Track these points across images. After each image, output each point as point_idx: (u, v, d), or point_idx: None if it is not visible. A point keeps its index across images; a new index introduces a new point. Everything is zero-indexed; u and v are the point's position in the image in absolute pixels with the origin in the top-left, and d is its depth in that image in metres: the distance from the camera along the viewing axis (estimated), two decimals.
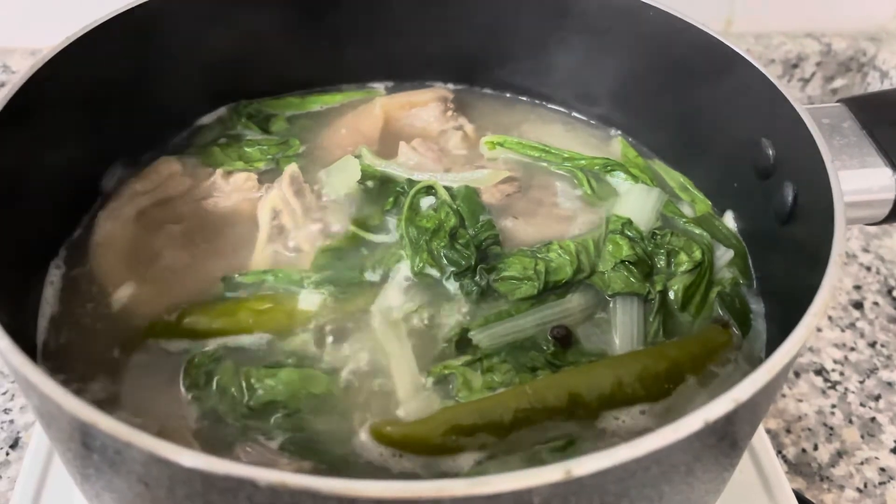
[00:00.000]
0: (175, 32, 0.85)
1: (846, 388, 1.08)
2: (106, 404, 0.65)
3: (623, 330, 0.71)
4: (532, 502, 0.44)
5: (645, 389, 0.66)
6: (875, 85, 1.40)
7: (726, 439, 0.51)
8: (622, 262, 0.75)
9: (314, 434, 0.63)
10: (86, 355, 0.69)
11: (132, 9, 0.80)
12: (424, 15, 0.95)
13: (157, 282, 0.75)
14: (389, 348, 0.68)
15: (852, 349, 1.12)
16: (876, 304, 1.18)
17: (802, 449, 1.00)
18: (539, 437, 0.62)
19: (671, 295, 0.74)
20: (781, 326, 0.70)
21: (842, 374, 1.09)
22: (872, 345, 1.14)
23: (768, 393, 0.50)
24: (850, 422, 1.04)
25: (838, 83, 1.42)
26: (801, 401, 1.06)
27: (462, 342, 0.70)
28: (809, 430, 1.01)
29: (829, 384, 1.07)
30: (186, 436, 0.62)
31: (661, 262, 0.76)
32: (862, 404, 1.06)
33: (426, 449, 0.61)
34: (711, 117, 0.82)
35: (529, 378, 0.66)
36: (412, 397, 0.66)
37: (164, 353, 0.69)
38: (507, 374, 0.66)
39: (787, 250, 0.72)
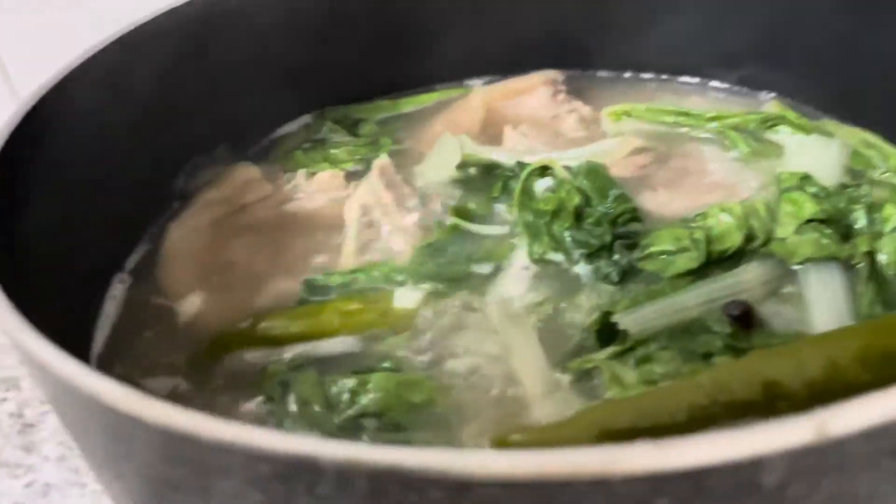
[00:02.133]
0: (253, 35, 0.77)
1: None
2: None
3: (824, 304, 0.53)
4: (760, 482, 0.26)
5: (871, 373, 0.46)
6: None
7: None
8: (808, 222, 0.57)
9: None
10: (146, 372, 0.57)
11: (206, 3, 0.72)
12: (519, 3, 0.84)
13: (230, 292, 0.64)
14: (511, 343, 0.53)
15: None
16: None
17: None
18: None
19: (882, 258, 0.55)
20: None
21: None
22: None
23: None
24: None
25: None
26: None
27: (605, 332, 0.53)
28: None
29: None
30: None
31: (860, 221, 0.58)
32: None
33: None
34: (893, 43, 0.65)
35: (703, 367, 0.49)
36: (545, 401, 0.49)
37: (236, 364, 0.57)
38: (670, 363, 0.49)
39: None
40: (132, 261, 0.68)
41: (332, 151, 0.78)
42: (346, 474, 0.27)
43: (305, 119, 0.85)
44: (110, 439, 0.36)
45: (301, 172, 0.74)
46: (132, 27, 0.67)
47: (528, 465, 0.26)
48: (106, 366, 0.58)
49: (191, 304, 0.62)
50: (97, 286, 0.64)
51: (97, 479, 0.43)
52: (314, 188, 0.72)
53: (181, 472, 0.33)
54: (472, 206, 0.67)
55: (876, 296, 0.53)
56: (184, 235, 0.69)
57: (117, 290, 0.65)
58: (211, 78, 0.75)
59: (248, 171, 0.75)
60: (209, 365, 0.57)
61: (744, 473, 0.26)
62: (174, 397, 0.55)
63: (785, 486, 0.27)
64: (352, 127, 0.83)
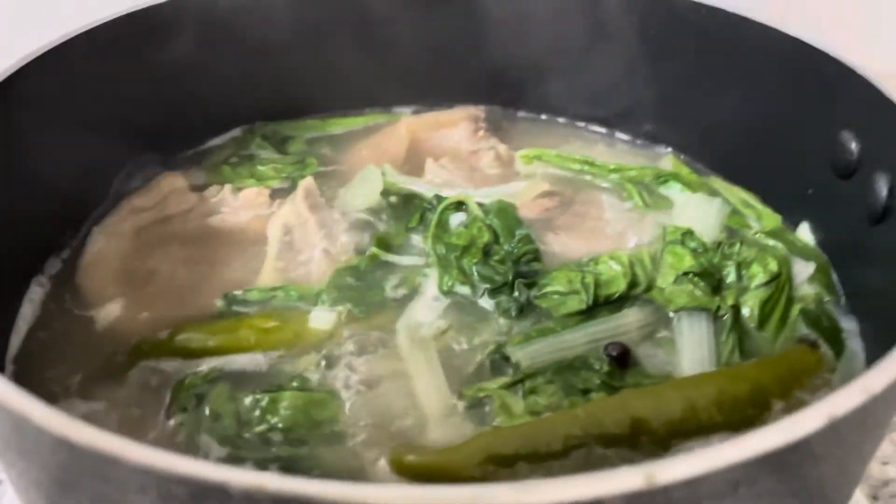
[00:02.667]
0: (185, 46, 0.79)
1: None
2: None
3: (691, 350, 0.60)
4: None
5: (723, 415, 0.54)
6: None
7: (849, 444, 0.39)
8: (685, 274, 0.64)
9: (321, 468, 0.52)
10: (60, 377, 0.59)
11: (141, 10, 0.74)
12: (450, 36, 0.89)
13: (150, 301, 0.66)
14: (415, 367, 0.58)
15: None
16: None
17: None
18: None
19: (745, 312, 0.63)
20: (885, 343, 0.59)
21: None
22: None
23: None
24: None
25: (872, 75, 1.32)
26: (886, 463, 0.92)
27: (499, 362, 0.59)
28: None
29: None
30: None
31: (730, 276, 0.65)
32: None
33: (456, 482, 0.49)
34: (776, 120, 0.73)
35: (581, 401, 0.55)
36: (441, 424, 0.54)
37: (150, 374, 0.59)
38: (553, 396, 0.55)
39: (881, 257, 0.61)
40: (53, 265, 0.69)
41: (259, 168, 0.81)
42: (252, 499, 0.31)
43: (235, 132, 0.88)
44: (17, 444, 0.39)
45: (227, 187, 0.77)
46: (66, 36, 0.68)
47: (411, 498, 0.31)
48: (21, 369, 0.60)
49: (110, 311, 0.65)
50: (14, 289, 0.65)
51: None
52: (239, 204, 0.75)
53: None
54: (390, 235, 0.72)
55: (736, 345, 0.61)
56: (107, 241, 0.71)
57: (35, 293, 0.66)
58: (142, 86, 0.77)
59: (174, 181, 0.77)
60: (125, 372, 0.60)
61: None
62: (88, 402, 0.58)
63: None
64: (280, 144, 0.86)
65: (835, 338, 0.62)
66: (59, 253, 0.70)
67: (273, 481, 0.31)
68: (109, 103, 0.73)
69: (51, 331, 0.63)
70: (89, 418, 0.51)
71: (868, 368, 0.37)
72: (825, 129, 0.67)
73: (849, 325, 0.63)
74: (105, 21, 0.72)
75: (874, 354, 0.60)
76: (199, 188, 0.78)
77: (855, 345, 0.62)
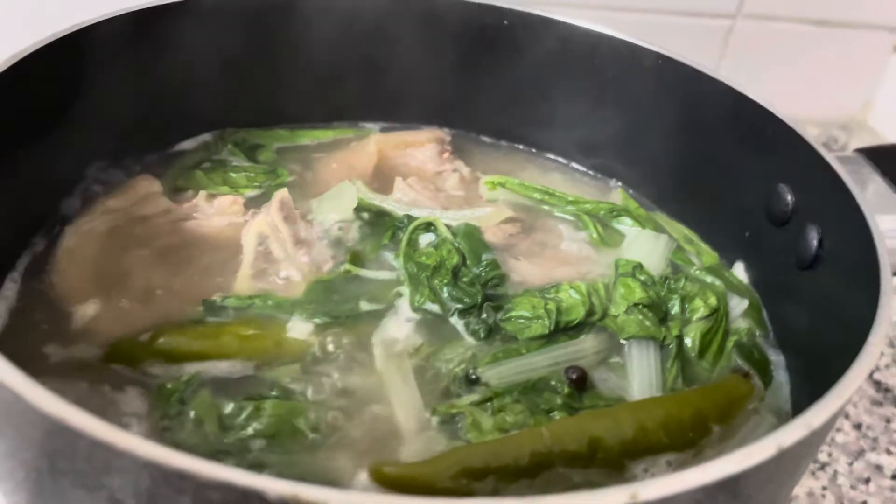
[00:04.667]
0: (159, 49, 0.80)
1: (835, 471, 1.03)
2: None
3: (640, 375, 0.66)
4: None
5: (669, 437, 0.60)
6: None
7: (788, 471, 0.45)
8: (635, 305, 0.70)
9: (305, 476, 0.55)
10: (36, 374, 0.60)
11: (112, 18, 0.75)
12: (421, 59, 0.93)
13: (127, 301, 0.67)
14: (392, 382, 0.62)
15: (838, 430, 1.09)
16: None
17: None
18: (560, 486, 0.55)
19: (688, 342, 0.70)
20: (808, 376, 0.66)
21: (830, 454, 1.05)
22: (857, 427, 1.10)
23: (831, 423, 0.45)
24: None
25: (810, 136, 1.44)
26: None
27: (469, 380, 0.63)
28: None
29: (818, 465, 1.03)
30: None
31: (675, 308, 0.72)
32: (852, 487, 1.01)
33: (431, 493, 0.54)
34: (720, 166, 0.81)
35: (545, 420, 0.60)
36: (416, 437, 0.58)
37: (132, 377, 0.61)
38: (520, 414, 0.60)
39: (807, 299, 0.69)
40: (25, 262, 0.69)
41: (232, 175, 0.83)
42: None
43: (205, 137, 0.89)
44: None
45: (202, 193, 0.78)
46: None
47: None
48: None
49: (86, 311, 0.65)
50: None
51: None
52: (213, 210, 0.77)
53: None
54: (364, 251, 0.75)
55: (679, 372, 0.67)
56: (80, 240, 0.71)
57: (9, 289, 0.67)
58: (114, 87, 0.77)
59: (149, 185, 0.78)
60: (103, 374, 0.61)
61: None
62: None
63: None
64: (250, 151, 0.88)
65: (764, 369, 0.69)
66: (32, 250, 0.70)
67: (308, 491, 0.34)
68: (81, 103, 0.74)
69: (26, 329, 0.64)
70: None
71: (808, 407, 0.43)
72: (764, 179, 0.74)
73: (776, 358, 0.71)
74: (82, 26, 0.72)
75: (798, 386, 0.68)
76: (172, 192, 0.79)
77: (781, 376, 0.69)
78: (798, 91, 1.40)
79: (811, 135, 0.70)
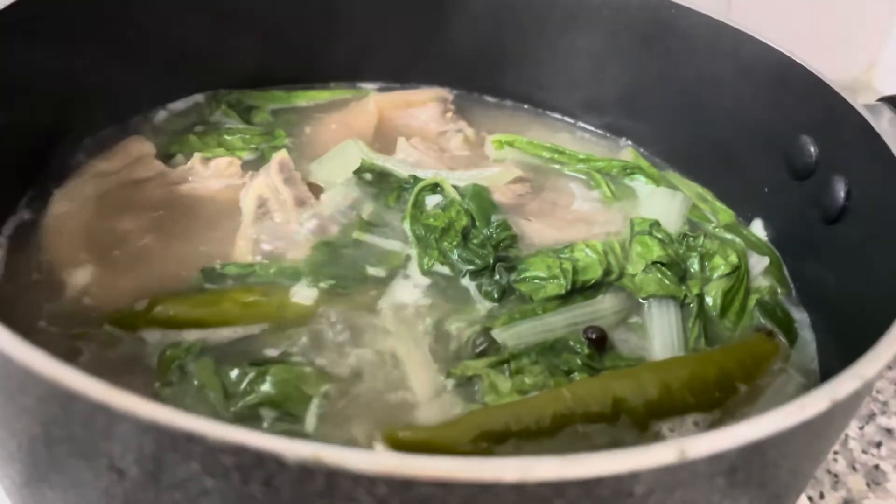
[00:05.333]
0: (148, 7, 0.76)
1: (847, 434, 1.02)
2: None
3: (662, 335, 0.63)
4: (633, 492, 0.34)
5: (695, 397, 0.58)
6: None
7: (837, 426, 0.43)
8: (653, 263, 0.67)
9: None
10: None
11: None
12: (422, 16, 0.89)
13: (121, 268, 0.64)
14: (403, 346, 0.59)
15: None
16: None
17: (808, 497, 0.92)
18: (583, 446, 0.53)
19: (709, 301, 0.67)
20: (835, 333, 0.64)
21: None
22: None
23: (880, 375, 0.43)
24: (854, 469, 0.98)
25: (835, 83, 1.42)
26: None
27: (484, 342, 0.60)
28: (815, 477, 0.94)
29: None
30: None
31: (694, 266, 0.69)
32: (864, 451, 1.00)
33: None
34: (735, 120, 0.77)
35: (565, 381, 0.58)
36: (431, 402, 0.56)
37: (130, 344, 0.58)
38: (539, 376, 0.57)
39: (832, 255, 0.66)
40: (10, 227, 0.66)
41: (227, 138, 0.79)
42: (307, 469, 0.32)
43: (198, 98, 0.85)
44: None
45: (197, 156, 0.75)
46: None
47: (470, 471, 0.32)
48: None
49: (80, 278, 0.62)
50: None
51: None
52: (210, 173, 0.74)
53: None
54: (371, 214, 0.72)
55: (701, 332, 0.65)
56: (71, 204, 0.68)
57: None
58: (103, 45, 0.74)
59: (142, 146, 0.74)
60: (102, 341, 0.58)
61: (622, 484, 0.34)
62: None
63: (649, 494, 0.35)
64: (244, 113, 0.84)
65: (788, 327, 0.67)
66: (19, 214, 0.67)
67: (329, 453, 0.32)
68: (67, 61, 0.70)
69: (17, 296, 0.61)
70: None
71: (856, 359, 0.41)
72: (784, 131, 0.71)
73: (800, 316, 0.68)
74: None
75: (824, 344, 0.65)
76: (165, 156, 0.75)
77: (806, 334, 0.67)
78: (802, 52, 1.37)
79: (835, 81, 0.67)
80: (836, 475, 0.96)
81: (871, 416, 1.06)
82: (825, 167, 0.67)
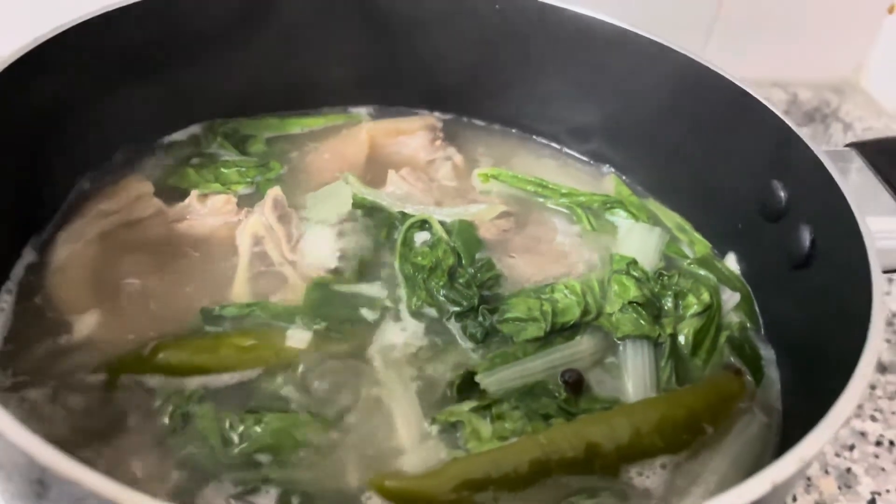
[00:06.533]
0: (139, 43, 0.78)
1: None
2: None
3: (636, 375, 0.67)
4: None
5: (664, 440, 0.62)
6: (838, 136, 1.43)
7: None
8: (630, 303, 0.71)
9: (309, 489, 0.56)
10: (40, 392, 0.60)
11: (91, 19, 0.73)
12: (413, 41, 0.91)
13: (126, 310, 0.67)
14: (391, 392, 0.62)
15: None
16: None
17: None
18: (559, 493, 0.57)
19: (681, 339, 0.71)
20: (800, 374, 0.68)
21: None
22: None
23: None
24: (827, 472, 1.02)
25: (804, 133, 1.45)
26: None
27: (467, 386, 0.64)
28: None
29: None
30: (162, 490, 0.54)
31: (668, 305, 0.73)
32: (837, 454, 1.04)
33: None
34: (714, 156, 0.80)
35: (542, 426, 0.61)
36: (416, 447, 0.60)
37: (134, 389, 0.61)
38: (518, 421, 0.61)
39: (799, 297, 0.70)
40: (18, 273, 0.69)
41: (223, 171, 0.82)
42: None
43: (194, 129, 0.87)
44: None
45: (194, 193, 0.78)
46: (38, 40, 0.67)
47: None
48: None
49: (85, 322, 0.66)
50: None
51: None
52: (207, 211, 0.77)
53: None
54: (366, 256, 0.75)
55: (673, 371, 0.68)
56: (75, 247, 0.71)
57: (5, 301, 0.66)
58: (104, 81, 0.76)
59: (140, 186, 0.77)
60: (106, 386, 0.61)
61: None
62: (71, 416, 0.59)
63: None
64: (240, 143, 0.87)
65: (756, 365, 0.70)
66: (24, 259, 0.70)
67: None
68: (70, 97, 0.73)
69: (26, 340, 0.64)
70: (72, 443, 0.55)
71: (799, 441, 0.44)
72: (757, 173, 0.74)
73: (767, 354, 0.72)
74: (73, 24, 0.70)
75: (788, 382, 0.69)
76: (164, 192, 0.78)
77: (772, 373, 0.71)
78: (791, 53, 1.39)
79: (805, 132, 0.70)
80: (808, 478, 1.01)
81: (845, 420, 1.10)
82: (794, 213, 0.70)
